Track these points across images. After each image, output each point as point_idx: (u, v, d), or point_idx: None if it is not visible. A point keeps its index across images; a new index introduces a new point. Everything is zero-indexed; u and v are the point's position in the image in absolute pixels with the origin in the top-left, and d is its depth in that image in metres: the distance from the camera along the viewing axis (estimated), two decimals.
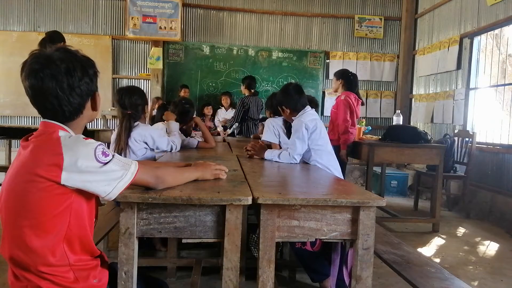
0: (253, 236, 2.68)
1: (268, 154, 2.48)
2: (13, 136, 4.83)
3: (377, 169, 5.47)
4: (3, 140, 5.37)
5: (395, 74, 7.00)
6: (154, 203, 1.26)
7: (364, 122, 4.79)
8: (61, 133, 1.13)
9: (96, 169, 1.10)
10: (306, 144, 2.45)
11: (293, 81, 6.64)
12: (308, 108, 2.59)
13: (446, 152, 4.15)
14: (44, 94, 1.11)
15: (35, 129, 1.18)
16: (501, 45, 5.10)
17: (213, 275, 2.66)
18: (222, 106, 6.45)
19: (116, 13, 6.51)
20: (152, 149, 2.67)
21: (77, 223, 1.14)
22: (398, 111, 4.79)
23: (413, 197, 5.34)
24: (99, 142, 1.13)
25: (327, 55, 6.91)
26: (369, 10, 6.94)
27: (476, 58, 5.18)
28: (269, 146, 2.74)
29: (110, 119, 6.47)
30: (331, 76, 6.70)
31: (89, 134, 1.58)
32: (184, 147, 2.96)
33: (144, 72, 6.63)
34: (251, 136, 5.12)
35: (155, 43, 6.48)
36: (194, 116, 3.41)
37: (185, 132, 3.28)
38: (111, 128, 6.06)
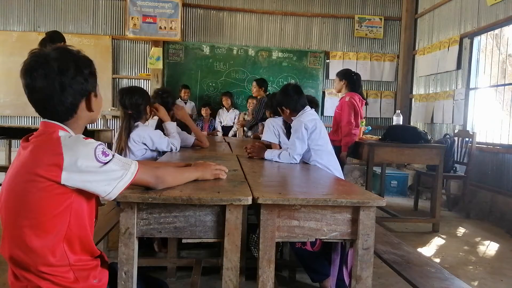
0: (253, 236, 2.68)
1: (268, 154, 2.49)
2: (13, 136, 4.83)
3: (377, 169, 5.47)
4: (3, 140, 5.36)
5: (395, 74, 7.00)
6: (154, 203, 1.26)
7: (364, 122, 4.79)
8: (61, 133, 1.13)
9: (96, 169, 1.10)
10: (305, 144, 2.45)
11: (292, 81, 6.63)
12: (307, 108, 2.59)
13: (446, 152, 4.14)
14: (38, 93, 1.11)
15: (35, 129, 1.18)
16: (501, 45, 5.10)
17: (213, 275, 2.66)
18: (223, 106, 6.44)
19: (116, 13, 6.51)
20: (153, 150, 2.66)
21: (77, 223, 1.13)
22: (398, 111, 4.78)
23: (413, 197, 5.34)
24: (99, 142, 1.13)
25: (327, 55, 6.91)
26: (369, 10, 6.94)
27: (476, 58, 5.18)
28: (269, 146, 2.74)
29: (110, 119, 6.47)
30: (331, 76, 6.72)
31: (89, 134, 1.58)
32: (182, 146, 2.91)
33: (144, 72, 6.63)
34: (251, 136, 5.12)
35: (155, 43, 6.47)
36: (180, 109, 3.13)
37: (182, 125, 3.12)
38: (111, 128, 6.06)
